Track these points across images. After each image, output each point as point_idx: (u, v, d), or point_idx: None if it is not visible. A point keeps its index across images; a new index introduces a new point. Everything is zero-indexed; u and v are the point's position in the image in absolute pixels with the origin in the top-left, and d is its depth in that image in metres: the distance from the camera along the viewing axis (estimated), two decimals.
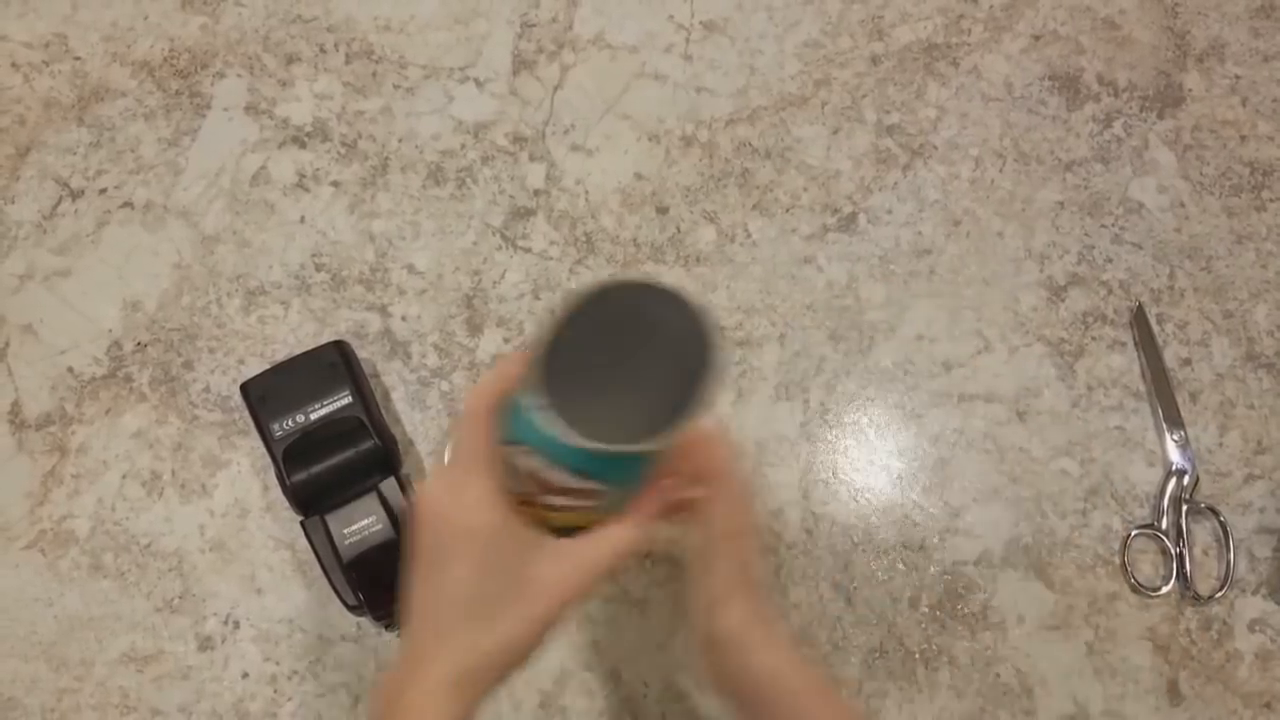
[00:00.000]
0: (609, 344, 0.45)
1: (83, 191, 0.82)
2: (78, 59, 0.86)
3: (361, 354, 0.78)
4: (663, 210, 0.83)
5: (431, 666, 0.45)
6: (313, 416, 0.72)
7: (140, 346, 0.79)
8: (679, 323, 0.44)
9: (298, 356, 0.74)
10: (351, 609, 0.70)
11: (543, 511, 0.47)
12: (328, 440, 0.71)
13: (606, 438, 0.43)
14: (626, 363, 0.46)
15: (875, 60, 0.87)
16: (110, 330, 0.79)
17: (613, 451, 0.43)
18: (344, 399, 0.72)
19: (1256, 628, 0.76)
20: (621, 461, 0.45)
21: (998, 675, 0.74)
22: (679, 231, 0.83)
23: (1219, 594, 0.76)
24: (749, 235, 0.83)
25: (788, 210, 0.84)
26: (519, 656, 0.47)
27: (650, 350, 0.46)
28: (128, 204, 0.82)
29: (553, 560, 0.47)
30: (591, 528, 0.48)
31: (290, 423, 0.71)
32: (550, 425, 0.43)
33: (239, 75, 0.86)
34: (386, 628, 0.72)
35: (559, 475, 0.45)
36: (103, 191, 0.83)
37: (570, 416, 0.43)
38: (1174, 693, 0.74)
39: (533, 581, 0.46)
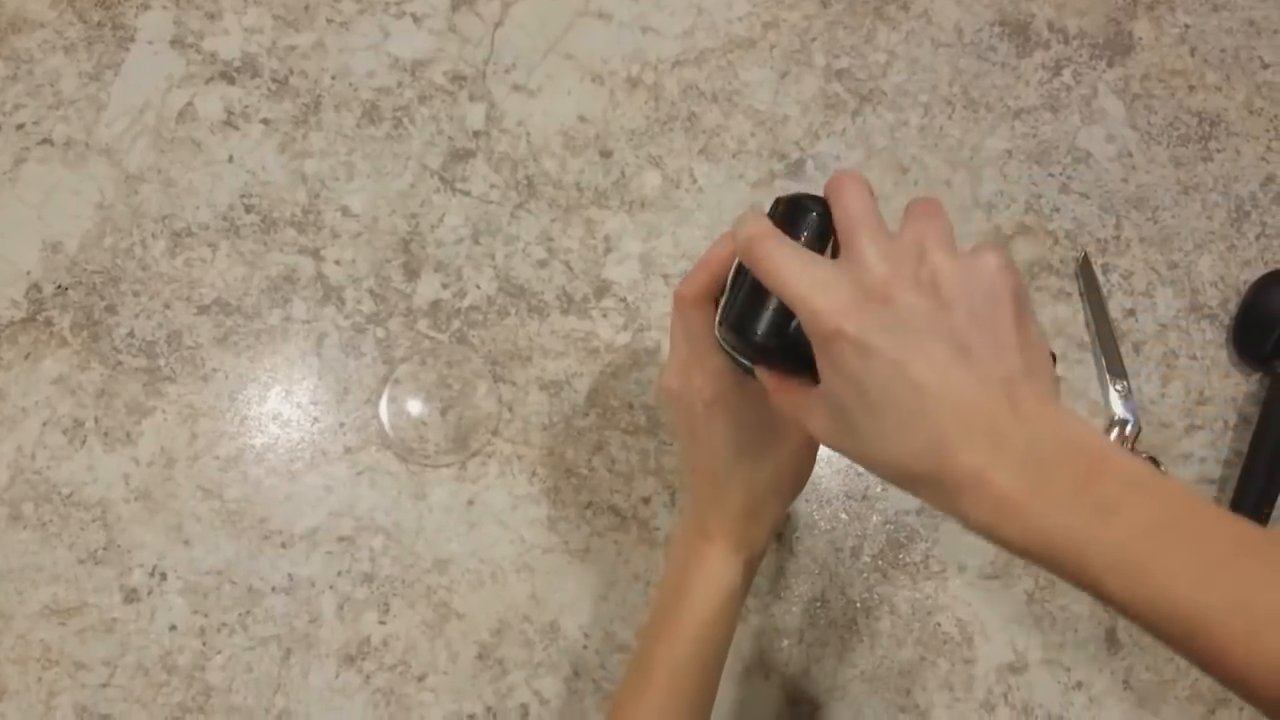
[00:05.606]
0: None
1: None
2: None
3: (293, 299, 0.76)
4: (606, 154, 0.81)
5: (726, 503, 0.55)
6: None
7: (61, 289, 0.76)
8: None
9: None
10: None
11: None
12: None
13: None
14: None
15: (825, 2, 0.85)
16: (29, 272, 0.76)
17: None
18: None
19: None
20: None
21: (938, 624, 0.74)
22: (623, 176, 0.81)
23: None
24: (695, 181, 0.81)
25: (734, 155, 0.82)
26: (793, 482, 0.56)
27: None
28: (47, 141, 0.78)
29: None
30: None
31: None
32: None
33: (164, 7, 0.82)
34: None
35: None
36: (20, 128, 0.79)
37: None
38: (1112, 641, 0.75)
39: (781, 420, 0.53)
